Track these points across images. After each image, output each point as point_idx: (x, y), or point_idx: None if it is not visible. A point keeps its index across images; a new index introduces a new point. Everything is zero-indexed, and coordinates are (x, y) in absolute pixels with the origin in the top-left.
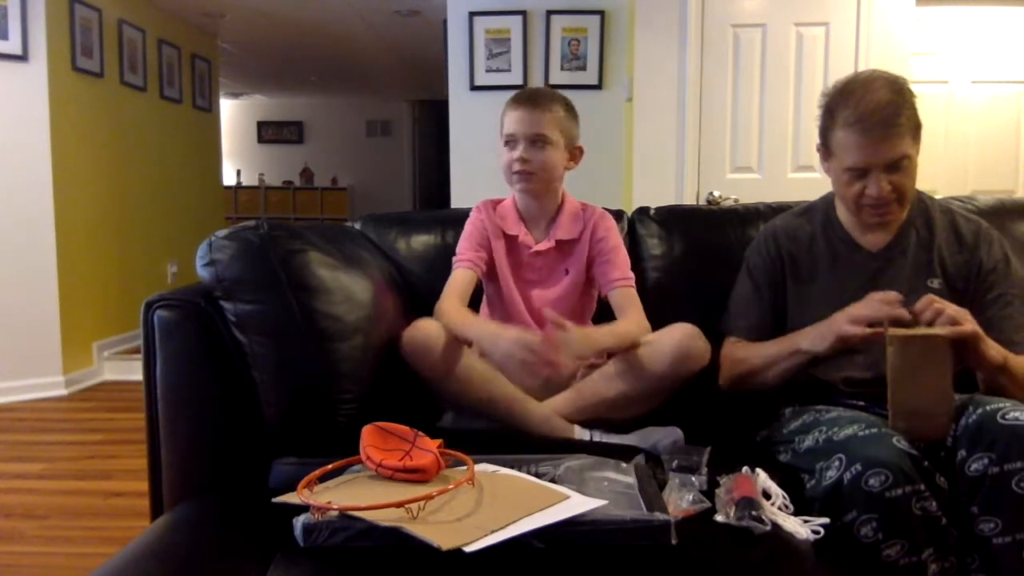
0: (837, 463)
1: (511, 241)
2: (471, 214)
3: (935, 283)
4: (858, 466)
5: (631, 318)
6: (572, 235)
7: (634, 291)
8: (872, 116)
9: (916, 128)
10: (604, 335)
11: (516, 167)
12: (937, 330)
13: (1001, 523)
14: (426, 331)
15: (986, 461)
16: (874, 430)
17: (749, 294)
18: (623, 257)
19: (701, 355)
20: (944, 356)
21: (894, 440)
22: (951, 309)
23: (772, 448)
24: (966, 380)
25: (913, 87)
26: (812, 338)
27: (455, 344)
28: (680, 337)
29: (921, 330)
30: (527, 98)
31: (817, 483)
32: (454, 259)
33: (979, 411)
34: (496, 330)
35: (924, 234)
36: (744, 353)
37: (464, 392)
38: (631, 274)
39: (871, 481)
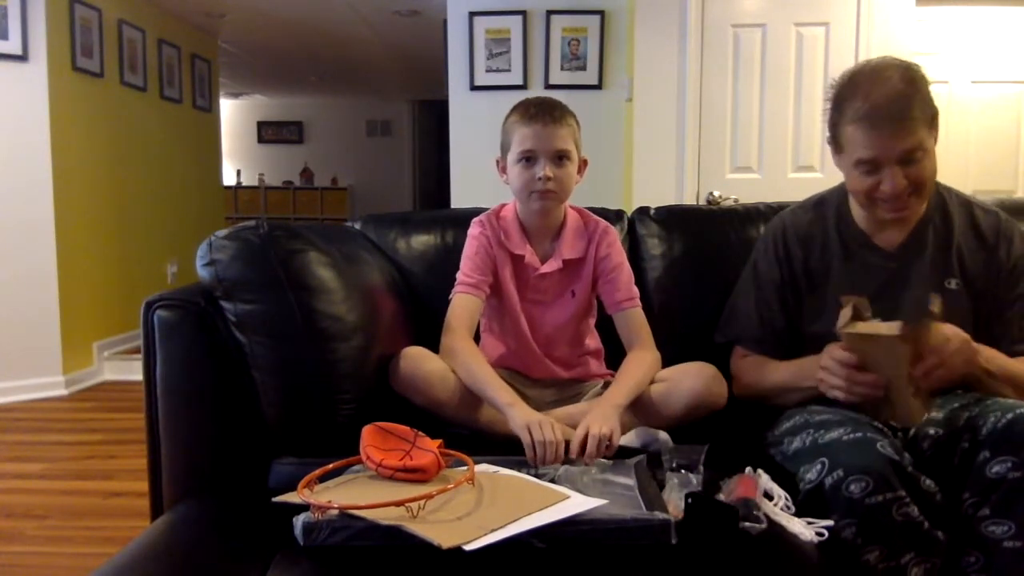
0: (819, 467)
1: (517, 261)
2: (472, 230)
3: (952, 283)
4: (840, 471)
5: (642, 353)
6: (578, 253)
7: (639, 311)
8: (882, 109)
9: (932, 118)
10: (622, 402)
11: (540, 186)
12: (883, 330)
13: (1015, 527)
14: (429, 372)
15: (1008, 465)
16: (859, 435)
17: (756, 304)
18: (627, 275)
19: (718, 401)
20: (893, 354)
21: (878, 446)
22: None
23: (769, 449)
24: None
25: None
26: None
27: (463, 390)
28: (697, 385)
29: (870, 327)
30: (543, 111)
31: (801, 485)
32: (457, 281)
33: (1008, 415)
34: (537, 420)
35: (942, 230)
36: (756, 376)
37: (463, 420)
38: (635, 291)
39: (852, 487)
